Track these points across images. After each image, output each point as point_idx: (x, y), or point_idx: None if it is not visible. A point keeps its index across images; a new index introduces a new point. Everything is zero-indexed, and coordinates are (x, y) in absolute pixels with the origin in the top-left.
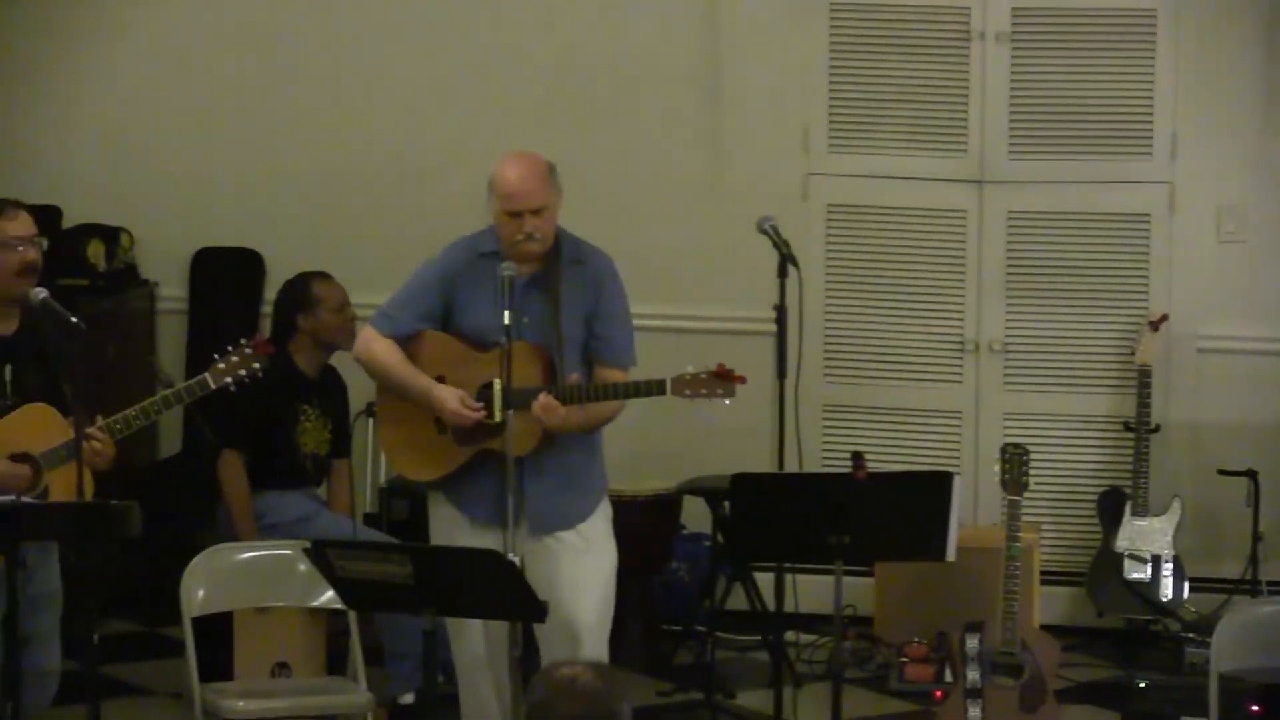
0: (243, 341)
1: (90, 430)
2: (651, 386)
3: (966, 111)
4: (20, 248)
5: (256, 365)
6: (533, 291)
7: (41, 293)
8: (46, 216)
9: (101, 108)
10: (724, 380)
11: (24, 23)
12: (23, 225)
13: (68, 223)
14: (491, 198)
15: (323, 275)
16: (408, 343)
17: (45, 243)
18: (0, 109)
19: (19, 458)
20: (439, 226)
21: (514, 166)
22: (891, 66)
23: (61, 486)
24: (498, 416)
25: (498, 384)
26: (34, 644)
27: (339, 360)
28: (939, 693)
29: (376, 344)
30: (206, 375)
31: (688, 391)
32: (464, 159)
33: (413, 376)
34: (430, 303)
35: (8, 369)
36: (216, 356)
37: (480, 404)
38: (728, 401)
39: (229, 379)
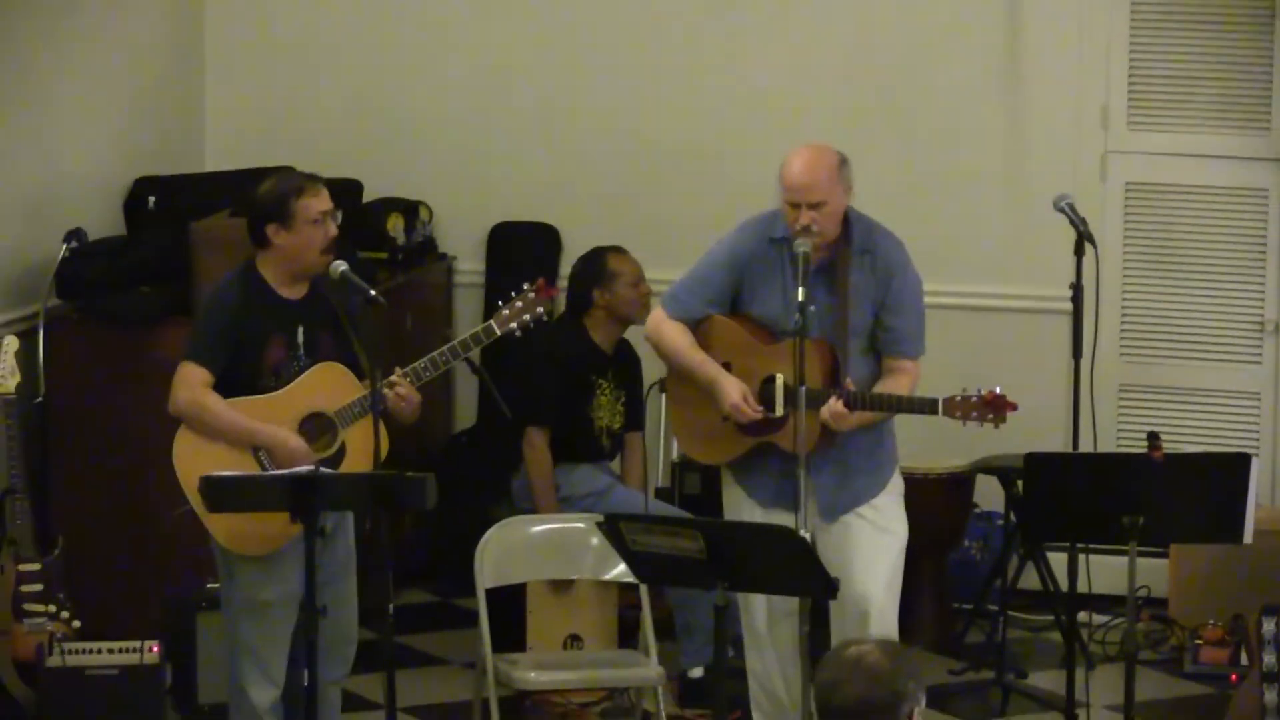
0: (525, 286)
1: (393, 378)
2: (924, 405)
3: (1270, 89)
4: (325, 223)
5: (540, 309)
6: (820, 280)
7: (341, 265)
8: (348, 190)
9: (401, 84)
10: (995, 407)
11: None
12: (324, 200)
13: (368, 197)
14: (779, 183)
15: (619, 250)
16: (695, 326)
17: (339, 214)
18: (301, 84)
19: (314, 416)
20: (733, 204)
21: (799, 158)
22: (1194, 43)
23: (358, 444)
24: (779, 411)
25: (780, 379)
26: (334, 612)
27: (632, 334)
28: (1234, 676)
29: (666, 326)
30: (491, 322)
31: (958, 414)
32: (760, 136)
33: (701, 363)
34: (719, 286)
35: (300, 331)
36: (500, 303)
37: (760, 407)
38: (996, 428)
39: (514, 324)
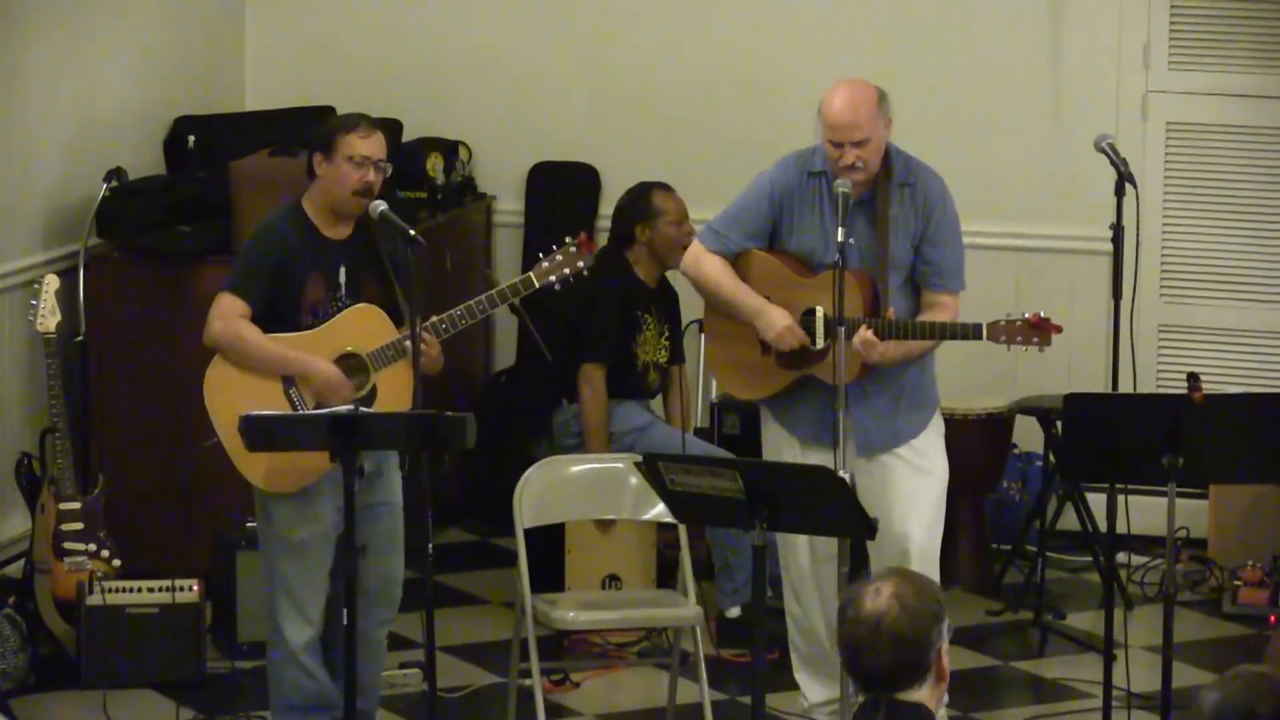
0: (567, 240)
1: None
2: (968, 330)
3: None
4: (364, 167)
5: (580, 264)
6: (860, 214)
7: (380, 205)
8: (387, 129)
9: (441, 23)
10: (1040, 329)
11: None
12: (372, 145)
13: (408, 136)
14: (819, 120)
15: (665, 187)
16: (733, 261)
17: (390, 168)
18: (341, 23)
19: (347, 357)
20: (775, 142)
21: (840, 96)
22: None
23: (389, 387)
24: (819, 343)
25: (820, 311)
26: (377, 553)
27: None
28: (1273, 617)
29: (705, 260)
30: (530, 274)
31: (1003, 338)
32: (801, 73)
33: (744, 296)
34: (759, 220)
35: (342, 271)
36: (540, 255)
37: (804, 333)
38: (1041, 351)
39: (553, 277)
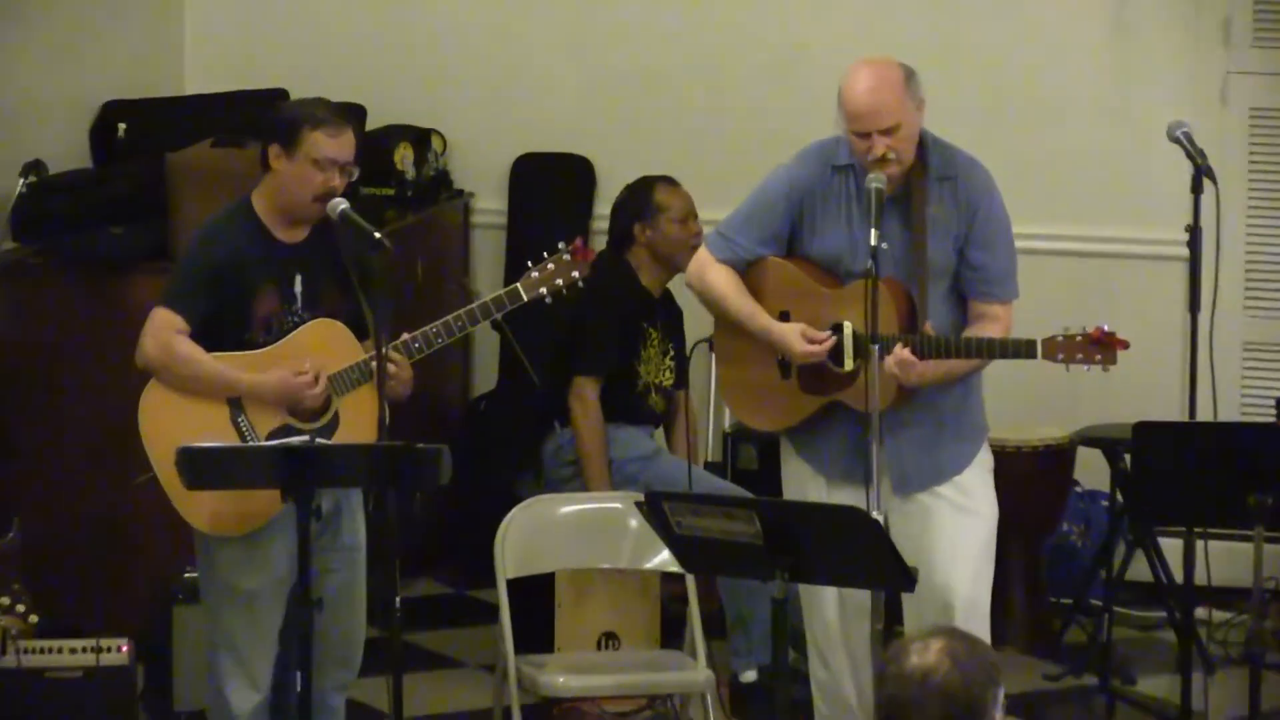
0: (561, 246)
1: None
2: (1020, 347)
3: None
4: (329, 171)
5: (575, 274)
6: (893, 214)
7: (341, 204)
8: (349, 117)
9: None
10: (1104, 346)
11: None
12: (340, 147)
13: (372, 124)
14: (840, 109)
15: (669, 181)
16: (747, 270)
17: (356, 173)
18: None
19: None
20: (794, 131)
21: (861, 79)
22: None
23: (353, 415)
24: (848, 365)
25: (849, 326)
26: (335, 606)
27: (674, 284)
28: None
29: (712, 271)
30: (518, 285)
31: (1061, 355)
32: (827, 51)
33: (750, 313)
34: (774, 223)
35: (298, 280)
36: (530, 264)
37: (828, 332)
38: (1105, 370)
39: (543, 289)
